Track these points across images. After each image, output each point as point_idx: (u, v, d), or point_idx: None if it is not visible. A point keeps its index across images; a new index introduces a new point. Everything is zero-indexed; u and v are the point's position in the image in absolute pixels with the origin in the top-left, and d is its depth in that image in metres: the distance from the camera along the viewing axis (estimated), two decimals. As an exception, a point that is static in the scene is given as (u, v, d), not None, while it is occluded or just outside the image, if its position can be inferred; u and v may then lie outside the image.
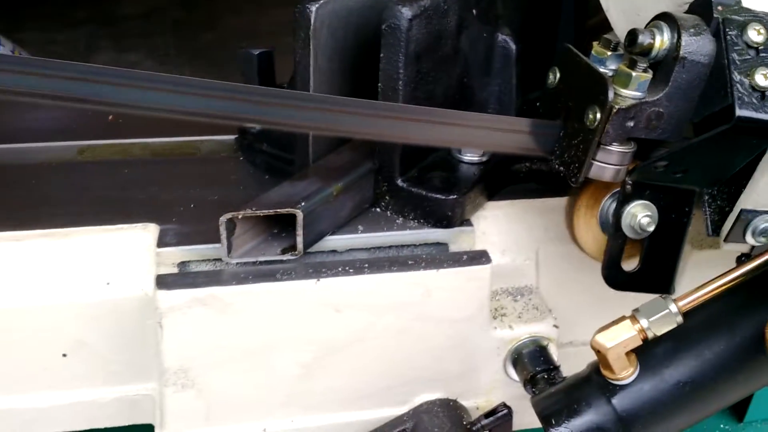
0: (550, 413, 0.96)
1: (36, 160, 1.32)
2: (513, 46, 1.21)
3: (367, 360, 1.10)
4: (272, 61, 1.26)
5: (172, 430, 1.07)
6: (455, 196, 1.09)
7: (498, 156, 1.16)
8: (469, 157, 1.19)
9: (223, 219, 1.02)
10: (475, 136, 1.01)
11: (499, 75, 1.23)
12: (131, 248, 1.12)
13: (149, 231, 1.12)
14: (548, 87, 1.00)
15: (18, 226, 1.10)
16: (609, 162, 0.93)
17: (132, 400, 1.17)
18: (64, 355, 1.13)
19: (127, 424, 1.17)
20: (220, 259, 1.09)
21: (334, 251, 1.13)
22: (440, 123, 0.98)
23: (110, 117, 1.43)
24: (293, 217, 1.03)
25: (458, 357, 1.12)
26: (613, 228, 1.00)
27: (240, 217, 1.02)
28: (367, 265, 1.06)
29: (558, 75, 0.99)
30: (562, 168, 0.97)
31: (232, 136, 1.36)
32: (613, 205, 1.05)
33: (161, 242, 1.10)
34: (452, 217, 1.14)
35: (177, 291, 1.01)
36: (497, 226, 1.17)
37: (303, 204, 1.04)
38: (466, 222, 1.15)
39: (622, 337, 0.91)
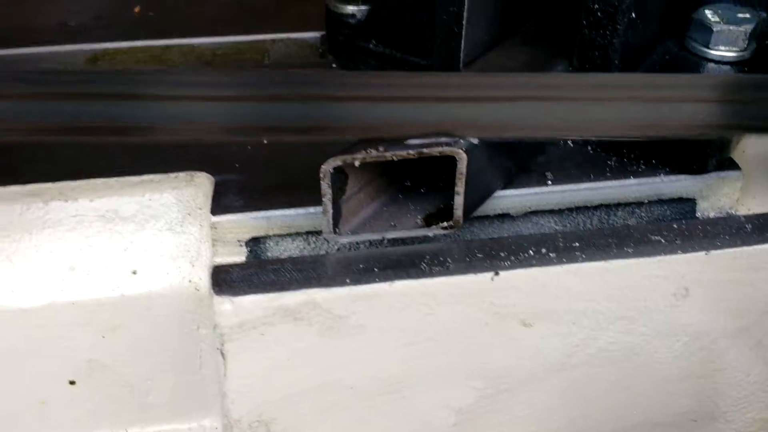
0: None
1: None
2: None
3: (569, 401, 0.65)
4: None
5: None
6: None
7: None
8: (721, 51, 0.71)
9: (326, 168, 0.56)
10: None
11: None
12: (169, 213, 0.68)
13: (198, 185, 0.68)
14: None
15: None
16: None
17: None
18: (72, 383, 0.71)
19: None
20: (316, 233, 0.65)
21: (506, 215, 0.67)
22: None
23: (136, 8, 0.97)
24: (440, 163, 0.58)
25: (719, 392, 0.67)
26: None
27: (358, 163, 0.57)
28: (577, 245, 0.60)
29: None
30: None
31: (317, 33, 0.89)
32: None
33: (218, 204, 0.65)
34: (705, 156, 0.67)
35: (249, 298, 0.57)
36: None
37: (462, 141, 0.58)
38: (726, 163, 0.68)
39: None
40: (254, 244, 0.65)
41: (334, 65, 0.86)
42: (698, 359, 0.65)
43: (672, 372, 0.66)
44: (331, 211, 0.58)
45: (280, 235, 0.65)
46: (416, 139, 0.57)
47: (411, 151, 0.57)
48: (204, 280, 0.66)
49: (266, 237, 0.65)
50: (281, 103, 0.54)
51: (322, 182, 0.57)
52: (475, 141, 0.59)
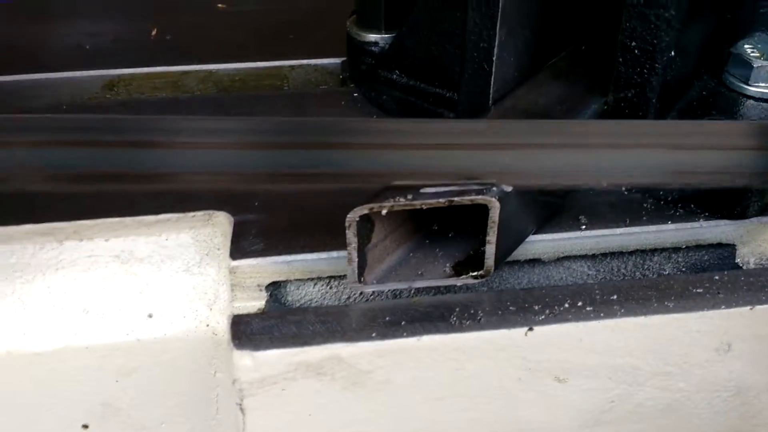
0: None
1: (43, 101, 0.85)
2: None
3: (602, 457, 0.62)
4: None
5: None
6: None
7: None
8: (761, 88, 0.68)
9: (352, 217, 0.54)
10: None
11: None
12: (186, 254, 0.65)
13: (216, 224, 0.65)
14: None
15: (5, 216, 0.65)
16: None
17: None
18: (85, 427, 0.68)
19: None
20: (338, 278, 0.62)
21: (537, 260, 0.64)
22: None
23: (153, 31, 0.95)
24: (470, 208, 0.55)
25: (759, 448, 0.64)
26: None
27: (385, 212, 0.54)
28: (615, 298, 0.57)
29: None
30: None
31: (337, 59, 0.87)
32: None
33: (237, 247, 0.62)
34: (746, 200, 0.64)
35: (271, 353, 0.54)
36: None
37: (495, 188, 0.55)
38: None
39: None
40: (274, 288, 0.63)
41: (355, 94, 0.83)
42: (739, 414, 0.62)
43: (711, 428, 0.62)
44: (356, 260, 0.56)
45: (301, 280, 0.63)
46: (444, 186, 0.54)
47: (441, 200, 0.54)
48: (222, 324, 0.64)
49: (287, 281, 0.63)
50: (309, 150, 0.52)
51: (347, 231, 0.54)
52: (508, 188, 0.56)
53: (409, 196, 0.54)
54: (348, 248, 0.55)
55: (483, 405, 0.58)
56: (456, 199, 0.54)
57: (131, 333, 0.65)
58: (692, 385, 0.60)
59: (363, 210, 0.54)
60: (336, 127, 0.53)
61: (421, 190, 0.54)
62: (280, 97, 0.84)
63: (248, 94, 0.85)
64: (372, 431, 0.58)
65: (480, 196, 0.54)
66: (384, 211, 0.54)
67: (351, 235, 0.55)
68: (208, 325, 0.65)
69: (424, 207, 0.54)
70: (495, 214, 0.55)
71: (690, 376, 0.59)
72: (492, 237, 0.56)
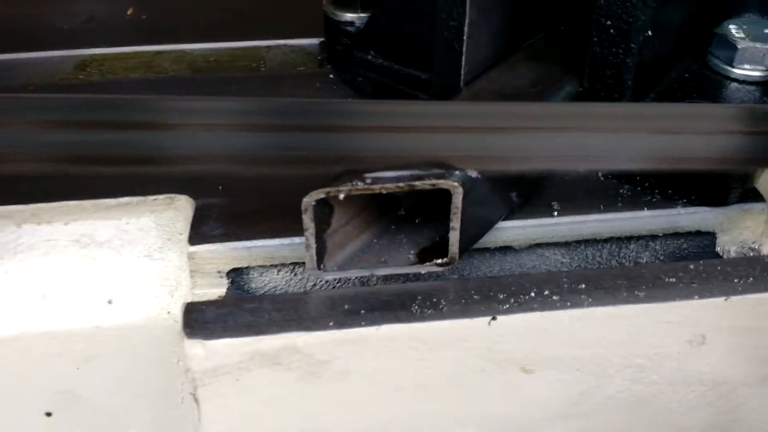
0: None
1: (15, 80, 0.83)
2: None
3: (571, 450, 0.60)
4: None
5: None
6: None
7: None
8: (746, 70, 0.66)
9: (308, 201, 0.52)
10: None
11: None
12: (147, 239, 0.64)
13: (178, 208, 0.64)
14: None
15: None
16: None
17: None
18: (48, 415, 0.67)
19: None
20: (302, 263, 0.60)
21: (508, 248, 0.62)
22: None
23: (129, 10, 0.93)
24: (436, 193, 0.53)
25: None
26: None
27: (342, 196, 0.52)
28: (583, 287, 0.55)
29: None
30: None
31: (315, 40, 0.84)
32: None
33: (196, 232, 0.60)
34: (726, 187, 0.62)
35: (223, 342, 0.52)
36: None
37: (459, 173, 0.53)
38: (750, 194, 0.63)
39: None
40: (236, 275, 0.61)
41: (331, 76, 0.81)
42: (715, 409, 0.60)
43: (687, 422, 0.60)
44: (314, 246, 0.54)
45: (264, 266, 0.61)
46: (407, 171, 0.52)
47: (401, 184, 0.52)
48: (179, 305, 0.62)
49: (249, 268, 0.61)
50: (267, 133, 0.50)
51: (304, 216, 0.52)
52: (473, 173, 0.54)
53: (368, 181, 0.52)
54: (305, 233, 0.53)
55: (446, 397, 0.56)
56: (417, 183, 0.52)
57: (91, 319, 0.63)
58: (665, 378, 0.58)
59: (319, 194, 0.52)
60: (293, 108, 0.51)
61: (381, 174, 0.52)
62: (254, 79, 0.82)
63: (222, 75, 0.83)
64: (331, 423, 0.57)
65: (442, 181, 0.52)
66: (341, 196, 0.52)
67: (308, 220, 0.53)
68: (169, 312, 0.64)
69: (384, 192, 0.52)
70: (458, 199, 0.53)
71: (662, 368, 0.57)
72: (456, 223, 0.54)
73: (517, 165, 0.53)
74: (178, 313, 0.62)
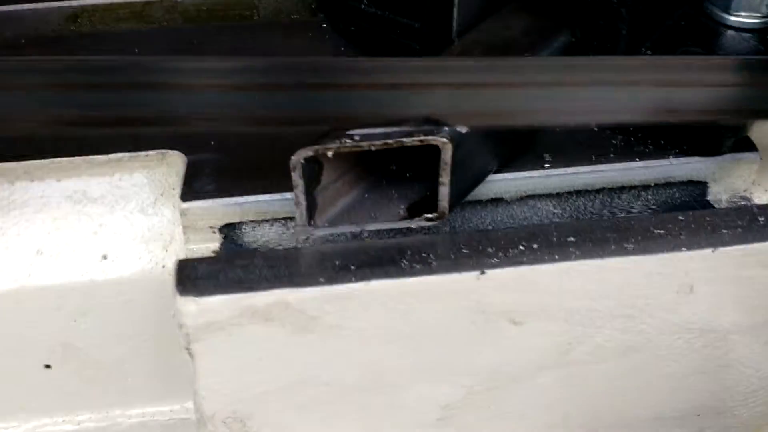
0: None
1: (6, 34, 0.83)
2: None
3: (563, 397, 0.61)
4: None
5: None
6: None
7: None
8: (742, 17, 0.65)
9: (297, 159, 0.52)
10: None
11: None
12: (140, 194, 0.64)
13: (170, 164, 0.64)
14: None
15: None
16: None
17: (162, 426, 0.73)
18: (47, 367, 0.68)
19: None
20: (292, 218, 0.61)
21: (500, 200, 0.62)
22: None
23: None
24: (426, 148, 0.53)
25: (725, 388, 0.63)
26: None
27: (330, 154, 0.52)
28: (572, 239, 0.55)
29: None
30: None
31: (309, -13, 0.83)
32: None
33: (189, 188, 0.61)
34: (719, 136, 0.61)
35: (215, 298, 0.53)
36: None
37: (448, 128, 0.53)
38: (742, 143, 0.63)
39: None
40: (229, 230, 0.61)
41: (324, 25, 0.80)
42: (703, 356, 0.61)
43: (675, 369, 0.61)
44: (304, 203, 0.54)
45: (256, 221, 0.61)
46: (396, 127, 0.52)
47: (390, 141, 0.52)
48: (172, 259, 0.63)
49: (241, 223, 0.61)
50: (257, 93, 0.49)
51: (293, 174, 0.52)
52: (463, 129, 0.53)
53: (357, 137, 0.52)
54: (295, 191, 0.53)
55: (437, 349, 0.57)
56: (405, 140, 0.52)
57: (86, 274, 0.64)
58: (653, 327, 0.58)
59: (308, 152, 0.52)
60: (280, 66, 0.51)
61: (370, 131, 0.52)
62: (246, 28, 0.81)
63: (214, 24, 0.82)
64: (323, 375, 0.58)
65: (431, 137, 0.52)
66: (330, 153, 0.52)
67: (297, 178, 0.53)
68: (164, 267, 0.64)
69: (373, 148, 0.52)
70: (447, 155, 0.53)
71: (651, 318, 0.58)
72: (445, 179, 0.54)
73: (505, 120, 0.52)
74: (172, 267, 0.63)
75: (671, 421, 0.66)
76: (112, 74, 0.48)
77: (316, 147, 0.52)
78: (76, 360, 0.68)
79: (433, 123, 0.52)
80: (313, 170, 0.54)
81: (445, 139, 0.52)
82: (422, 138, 0.52)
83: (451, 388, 0.60)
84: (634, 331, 0.59)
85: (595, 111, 0.52)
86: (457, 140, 0.53)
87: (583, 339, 0.58)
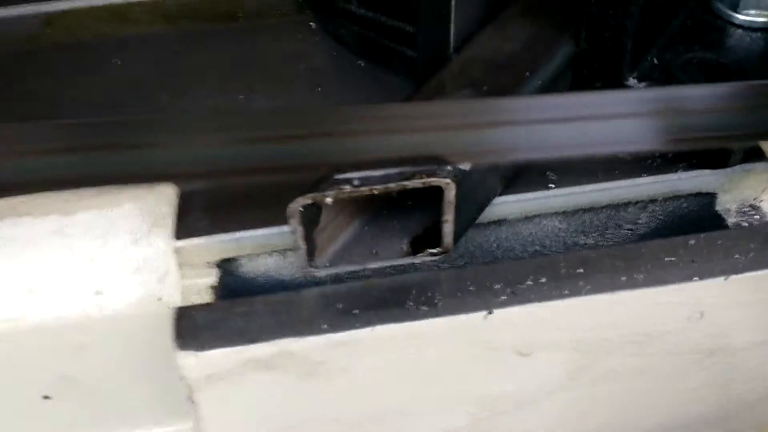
0: None
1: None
2: None
3: (570, 417, 0.61)
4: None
5: None
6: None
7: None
8: (750, 16, 0.62)
9: (294, 207, 0.50)
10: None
11: None
12: (132, 226, 0.62)
13: (161, 193, 0.61)
14: None
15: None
16: None
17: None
18: (46, 398, 0.67)
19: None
20: (290, 249, 0.59)
21: (503, 221, 0.60)
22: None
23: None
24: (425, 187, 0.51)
25: (733, 399, 0.62)
26: None
27: (329, 200, 0.50)
28: (581, 271, 0.54)
29: None
30: None
31: (295, -18, 0.80)
32: None
33: (182, 225, 0.59)
34: (728, 149, 0.59)
35: (215, 352, 0.51)
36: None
37: (450, 167, 0.50)
38: (752, 152, 0.61)
39: None
40: (226, 264, 0.60)
41: (312, 24, 0.76)
42: (713, 372, 0.60)
43: (683, 385, 0.61)
44: (303, 247, 0.52)
45: (253, 255, 0.59)
46: (395, 167, 0.50)
47: (391, 185, 0.50)
48: (175, 297, 0.61)
49: (237, 258, 0.59)
50: (252, 146, 0.47)
51: (290, 220, 0.50)
52: (466, 166, 0.51)
53: (356, 182, 0.50)
54: (293, 236, 0.51)
55: (444, 382, 0.56)
56: (407, 183, 0.50)
57: (81, 311, 0.62)
58: (662, 350, 0.57)
59: (305, 200, 0.49)
60: (273, 118, 0.48)
61: (369, 174, 0.50)
62: (232, 32, 0.77)
63: (198, 28, 0.79)
64: (331, 411, 0.57)
65: (433, 179, 0.50)
66: (328, 200, 0.50)
67: (295, 224, 0.51)
68: (160, 299, 0.63)
69: (375, 192, 0.50)
70: (450, 195, 0.50)
71: (661, 342, 0.57)
72: (449, 216, 0.52)
73: (509, 157, 0.50)
74: (169, 299, 0.61)
75: (677, 429, 0.66)
76: (97, 134, 0.46)
77: (314, 195, 0.49)
78: (75, 390, 0.67)
79: (434, 161, 0.50)
80: (310, 213, 0.52)
81: (448, 180, 0.50)
82: (425, 180, 0.50)
83: (456, 415, 0.59)
84: (644, 355, 0.57)
85: (597, 144, 0.50)
86: (459, 178, 0.51)
87: (593, 365, 0.57)
